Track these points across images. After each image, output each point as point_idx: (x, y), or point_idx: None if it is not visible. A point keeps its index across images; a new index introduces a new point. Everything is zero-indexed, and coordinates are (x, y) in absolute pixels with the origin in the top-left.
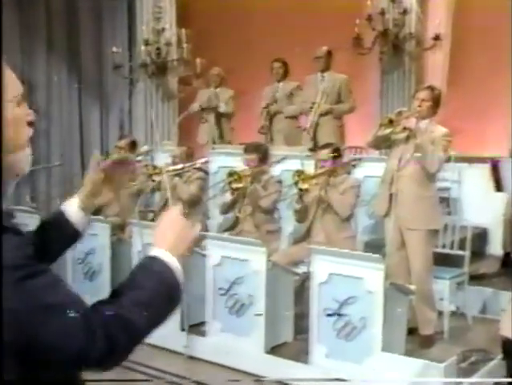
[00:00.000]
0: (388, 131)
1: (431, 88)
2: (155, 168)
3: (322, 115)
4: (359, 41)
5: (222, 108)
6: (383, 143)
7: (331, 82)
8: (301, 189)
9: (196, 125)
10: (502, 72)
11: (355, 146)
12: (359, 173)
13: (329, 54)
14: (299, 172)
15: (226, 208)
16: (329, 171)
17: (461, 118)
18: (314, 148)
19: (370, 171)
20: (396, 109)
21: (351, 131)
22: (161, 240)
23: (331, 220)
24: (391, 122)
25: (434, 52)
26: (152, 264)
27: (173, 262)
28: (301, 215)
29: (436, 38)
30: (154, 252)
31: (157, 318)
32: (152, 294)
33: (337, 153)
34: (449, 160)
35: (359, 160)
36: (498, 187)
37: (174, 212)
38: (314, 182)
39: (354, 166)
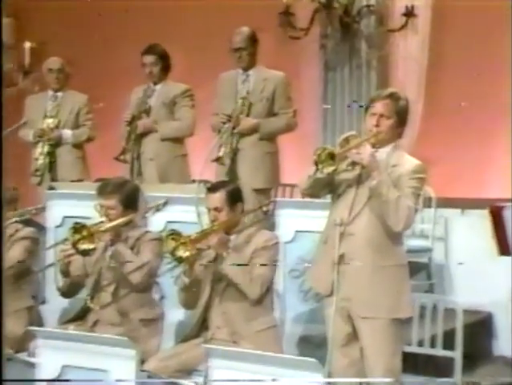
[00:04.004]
0: (328, 170)
1: (393, 97)
2: None
3: (243, 134)
4: (288, 17)
5: (70, 137)
6: (324, 189)
7: (258, 83)
8: (180, 259)
9: (25, 151)
10: (505, 65)
11: (285, 183)
12: (286, 226)
13: (253, 40)
14: (176, 235)
15: (72, 286)
16: (225, 225)
17: (443, 141)
18: None
19: (305, 223)
20: (346, 125)
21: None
22: None
23: (236, 304)
24: (332, 157)
25: (405, 36)
26: None
27: None
28: (188, 296)
29: (409, 13)
30: None
31: None
32: None
33: (235, 197)
34: (428, 204)
35: (274, 202)
36: (503, 247)
37: None
38: (205, 245)
39: (266, 213)
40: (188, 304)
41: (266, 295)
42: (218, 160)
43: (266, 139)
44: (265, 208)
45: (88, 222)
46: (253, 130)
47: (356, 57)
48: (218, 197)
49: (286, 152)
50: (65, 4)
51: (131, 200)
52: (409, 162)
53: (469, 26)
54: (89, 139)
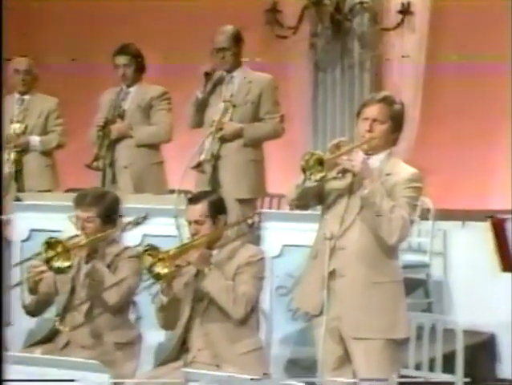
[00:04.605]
0: (317, 178)
1: (388, 100)
2: None
3: (225, 140)
4: (275, 15)
5: (38, 144)
6: (313, 200)
7: (243, 86)
8: (158, 276)
9: None
10: (506, 67)
11: (272, 194)
12: (272, 240)
13: (238, 39)
14: (153, 250)
15: (39, 304)
16: (206, 239)
17: (442, 148)
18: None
19: (293, 237)
20: (337, 131)
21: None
22: None
23: (219, 325)
24: (321, 163)
25: (401, 35)
26: None
27: None
28: (167, 316)
29: (405, 10)
30: None
31: None
32: None
33: (218, 208)
34: (426, 216)
35: (260, 214)
36: (506, 262)
37: None
38: (185, 261)
39: (251, 226)
40: (167, 325)
41: (251, 315)
42: (199, 166)
43: (250, 146)
44: (250, 221)
45: (58, 236)
46: (237, 135)
47: (348, 57)
48: (200, 209)
49: (272, 160)
50: (34, 2)
51: (110, 213)
52: (405, 170)
53: (468, 24)
54: (59, 146)
